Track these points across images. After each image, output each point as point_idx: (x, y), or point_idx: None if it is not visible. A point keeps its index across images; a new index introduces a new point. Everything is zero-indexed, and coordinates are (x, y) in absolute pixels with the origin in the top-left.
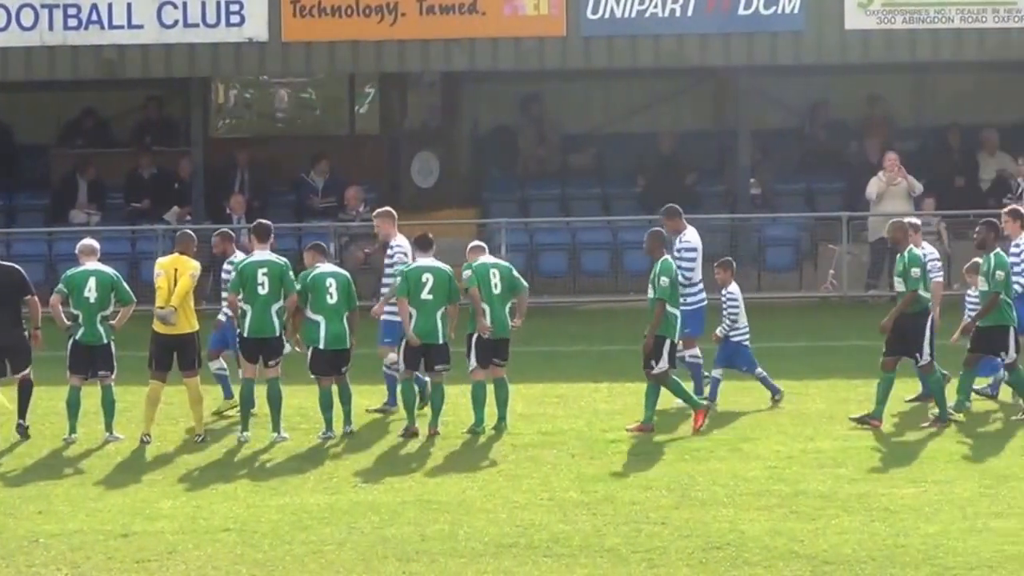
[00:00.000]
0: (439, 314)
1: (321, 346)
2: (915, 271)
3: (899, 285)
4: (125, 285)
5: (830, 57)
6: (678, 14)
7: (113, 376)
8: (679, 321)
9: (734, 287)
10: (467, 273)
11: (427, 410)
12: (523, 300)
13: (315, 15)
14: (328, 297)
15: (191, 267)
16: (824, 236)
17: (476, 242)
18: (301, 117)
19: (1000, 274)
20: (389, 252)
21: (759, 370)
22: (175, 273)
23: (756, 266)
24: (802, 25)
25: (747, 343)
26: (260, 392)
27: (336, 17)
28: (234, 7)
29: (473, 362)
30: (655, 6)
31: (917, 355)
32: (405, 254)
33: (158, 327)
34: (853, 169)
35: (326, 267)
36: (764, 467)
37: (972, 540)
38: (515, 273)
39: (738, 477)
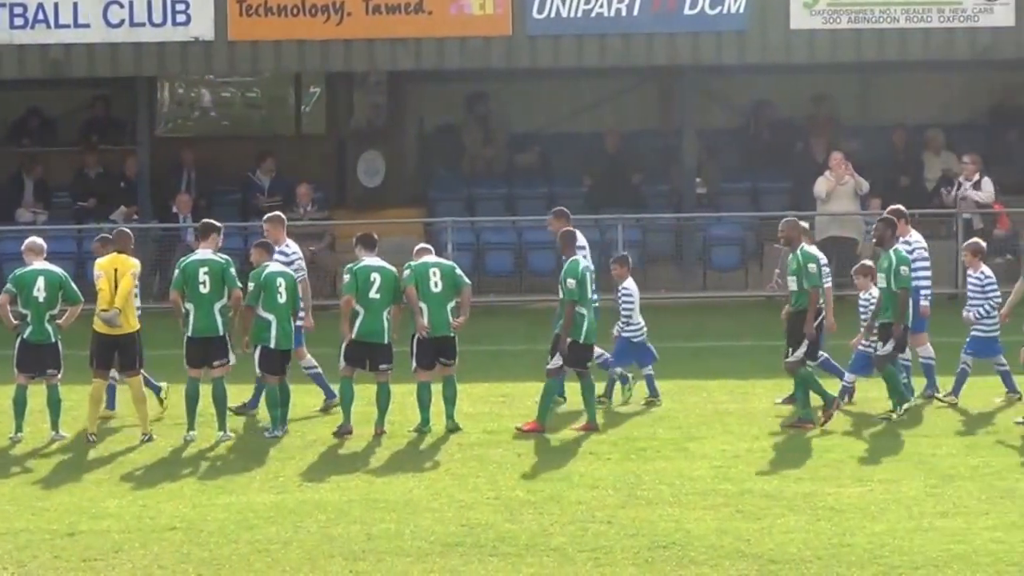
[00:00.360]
0: (385, 314)
1: (272, 345)
2: (812, 267)
3: (792, 284)
4: (73, 285)
5: (775, 57)
6: (624, 13)
7: (60, 375)
8: (587, 323)
9: (630, 283)
10: (406, 272)
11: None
12: (466, 297)
13: (261, 14)
14: (279, 296)
15: (131, 266)
16: (769, 235)
17: (422, 244)
18: (247, 116)
19: (904, 270)
20: (285, 259)
21: (618, 370)
22: (115, 273)
23: (702, 265)
24: (747, 25)
25: (637, 340)
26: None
27: (282, 16)
28: (180, 6)
29: (414, 363)
30: (601, 6)
31: (790, 350)
32: (301, 258)
33: (98, 326)
34: (799, 168)
35: (275, 266)
36: (710, 466)
37: (918, 539)
38: (458, 271)
39: (684, 476)
